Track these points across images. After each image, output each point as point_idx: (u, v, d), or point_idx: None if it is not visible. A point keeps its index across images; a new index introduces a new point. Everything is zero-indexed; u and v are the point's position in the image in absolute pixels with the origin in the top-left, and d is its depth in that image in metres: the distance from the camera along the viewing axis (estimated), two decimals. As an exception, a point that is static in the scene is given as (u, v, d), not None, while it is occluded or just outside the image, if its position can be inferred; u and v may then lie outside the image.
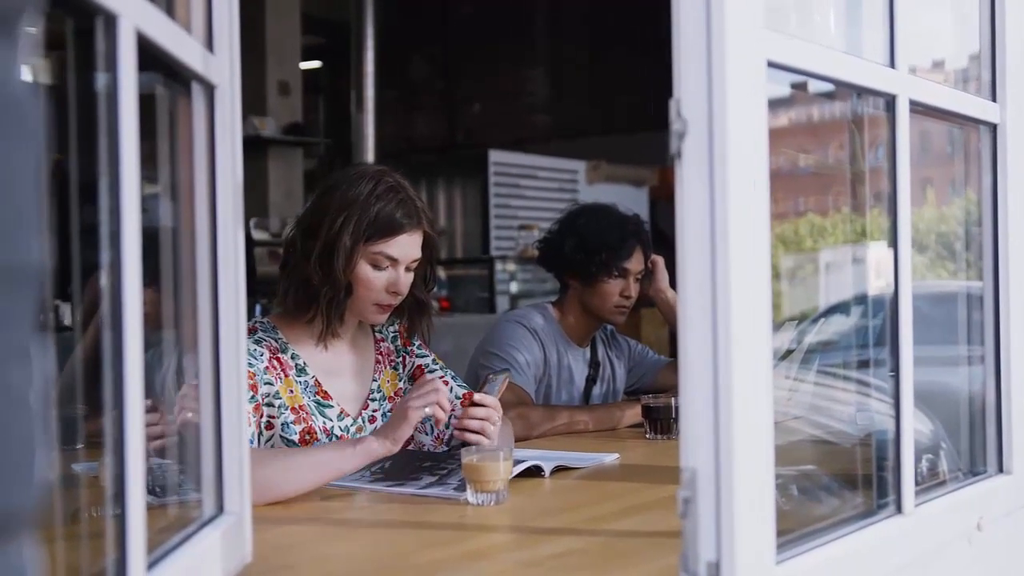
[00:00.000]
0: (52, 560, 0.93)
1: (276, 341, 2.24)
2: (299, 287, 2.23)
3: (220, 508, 1.38)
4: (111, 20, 0.99)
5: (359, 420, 2.30)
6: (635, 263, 3.02)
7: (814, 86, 1.58)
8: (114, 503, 1.03)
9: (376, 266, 2.21)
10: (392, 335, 2.45)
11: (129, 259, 1.01)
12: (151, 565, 1.09)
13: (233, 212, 1.39)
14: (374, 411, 2.34)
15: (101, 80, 1.01)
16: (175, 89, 1.32)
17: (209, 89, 1.35)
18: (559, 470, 2.21)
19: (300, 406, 2.21)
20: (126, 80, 1.01)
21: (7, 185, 0.55)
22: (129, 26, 1.01)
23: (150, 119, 1.21)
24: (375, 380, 2.37)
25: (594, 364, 3.15)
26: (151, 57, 1.11)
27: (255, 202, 7.39)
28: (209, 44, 1.36)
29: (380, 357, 2.40)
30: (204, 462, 1.37)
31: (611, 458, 2.38)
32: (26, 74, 0.60)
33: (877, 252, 1.84)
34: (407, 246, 2.23)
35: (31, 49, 0.62)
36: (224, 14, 1.38)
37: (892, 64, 1.51)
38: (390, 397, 2.38)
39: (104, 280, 1.01)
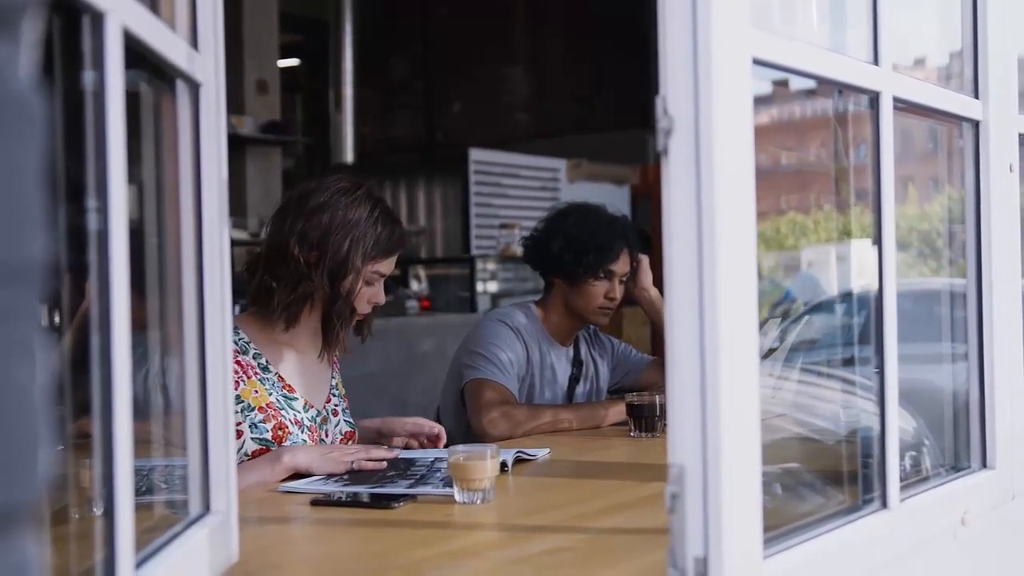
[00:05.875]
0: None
1: (236, 343, 2.25)
2: (300, 300, 2.26)
3: (206, 507, 1.37)
4: (98, 17, 0.99)
5: (324, 412, 2.38)
6: (621, 265, 3.01)
7: (795, 84, 1.58)
8: (97, 503, 1.02)
9: (369, 283, 2.30)
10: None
11: (116, 258, 1.00)
12: (139, 564, 1.08)
13: (219, 211, 1.38)
14: (335, 405, 2.43)
15: (87, 77, 1.00)
16: (159, 87, 1.31)
17: (194, 87, 1.35)
18: (519, 462, 2.24)
19: (267, 404, 2.25)
20: (113, 78, 1.00)
21: (11, 182, 0.55)
22: (116, 24, 1.01)
23: (133, 117, 1.21)
24: (333, 378, 2.46)
25: (577, 363, 3.15)
26: (135, 54, 1.10)
27: (233, 201, 7.30)
28: (194, 42, 1.35)
29: (335, 357, 2.48)
30: (191, 461, 1.36)
31: (543, 452, 2.38)
32: (28, 72, 0.60)
33: (859, 250, 1.85)
34: (394, 262, 2.36)
35: (32, 47, 0.62)
36: (209, 11, 1.38)
37: (876, 61, 1.51)
38: (344, 396, 2.48)
39: (90, 280, 1.01)
